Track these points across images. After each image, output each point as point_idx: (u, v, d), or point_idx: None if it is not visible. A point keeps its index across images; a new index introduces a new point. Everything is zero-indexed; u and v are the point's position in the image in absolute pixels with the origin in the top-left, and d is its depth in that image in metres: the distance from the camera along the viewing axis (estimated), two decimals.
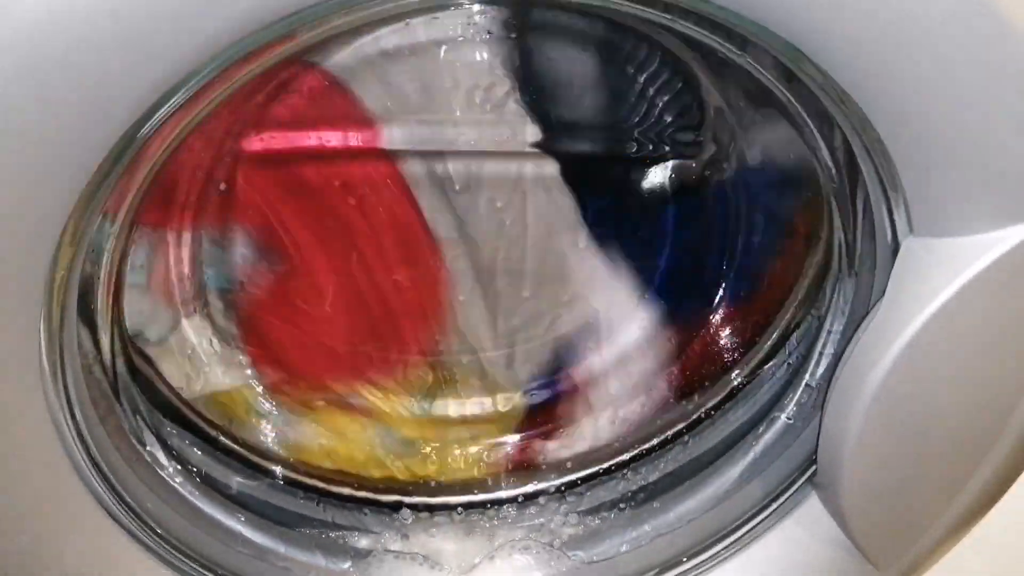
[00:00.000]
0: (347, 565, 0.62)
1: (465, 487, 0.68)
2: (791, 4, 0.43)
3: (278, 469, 0.65)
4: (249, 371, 0.65)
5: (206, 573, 0.57)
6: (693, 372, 0.68)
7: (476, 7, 0.55)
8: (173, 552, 0.55)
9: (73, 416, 0.49)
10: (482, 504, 0.67)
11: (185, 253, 0.62)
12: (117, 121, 0.40)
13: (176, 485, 0.58)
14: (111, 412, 0.54)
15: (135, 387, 0.58)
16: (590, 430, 0.69)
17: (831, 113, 0.49)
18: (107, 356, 0.54)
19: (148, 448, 0.57)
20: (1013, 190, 0.47)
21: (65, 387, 0.48)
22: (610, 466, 0.68)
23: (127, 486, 0.52)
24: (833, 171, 0.55)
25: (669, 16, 0.45)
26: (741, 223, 0.65)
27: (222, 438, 0.62)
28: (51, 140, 0.40)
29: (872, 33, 0.44)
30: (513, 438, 0.70)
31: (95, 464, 0.50)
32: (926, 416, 0.54)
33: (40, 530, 0.49)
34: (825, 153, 0.54)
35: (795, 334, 0.63)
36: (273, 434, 0.65)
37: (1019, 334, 0.51)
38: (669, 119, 0.60)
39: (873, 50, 0.44)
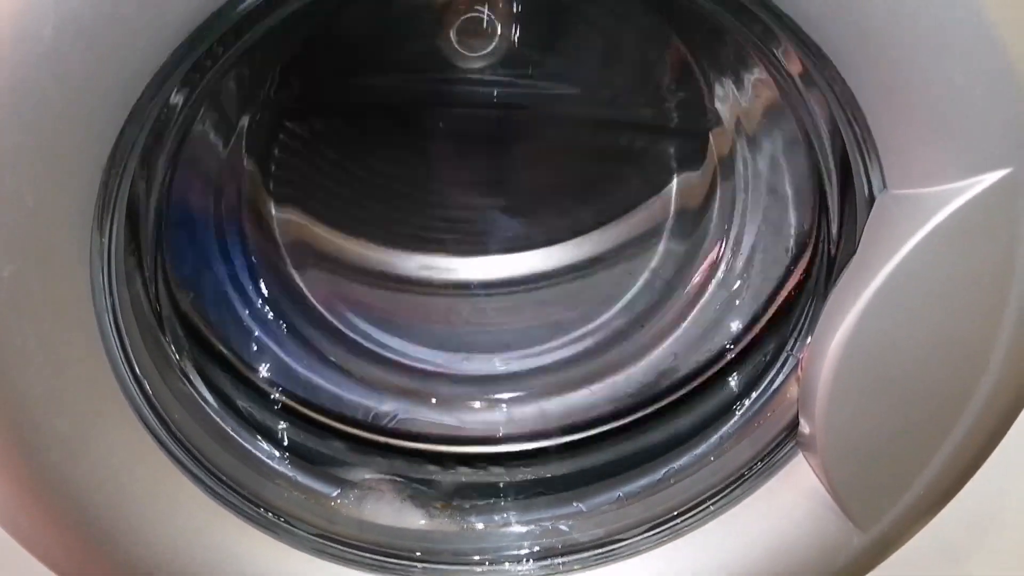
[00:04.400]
0: (335, 492, 0.66)
1: (469, 440, 0.72)
2: None
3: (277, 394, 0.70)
4: None
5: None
6: (692, 341, 0.72)
7: None
8: (194, 461, 0.60)
9: (116, 319, 0.54)
10: (486, 457, 0.71)
11: None
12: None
13: (203, 404, 0.63)
14: (149, 328, 0.60)
15: (175, 318, 0.64)
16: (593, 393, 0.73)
17: (813, 76, 0.53)
18: (149, 276, 0.59)
19: (180, 365, 0.62)
20: (974, 142, 0.51)
21: (111, 296, 0.53)
22: (608, 429, 0.72)
23: (153, 386, 0.57)
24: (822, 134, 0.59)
25: None
26: (739, 189, 0.69)
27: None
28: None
29: None
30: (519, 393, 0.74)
31: (128, 363, 0.55)
32: (899, 370, 0.56)
33: (74, 416, 0.54)
34: (815, 118, 0.58)
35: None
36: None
37: (984, 284, 0.54)
38: (671, 87, 0.66)
39: (847, 13, 0.49)
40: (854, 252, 0.56)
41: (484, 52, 0.68)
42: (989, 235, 0.53)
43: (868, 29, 0.49)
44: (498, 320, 0.78)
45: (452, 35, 0.68)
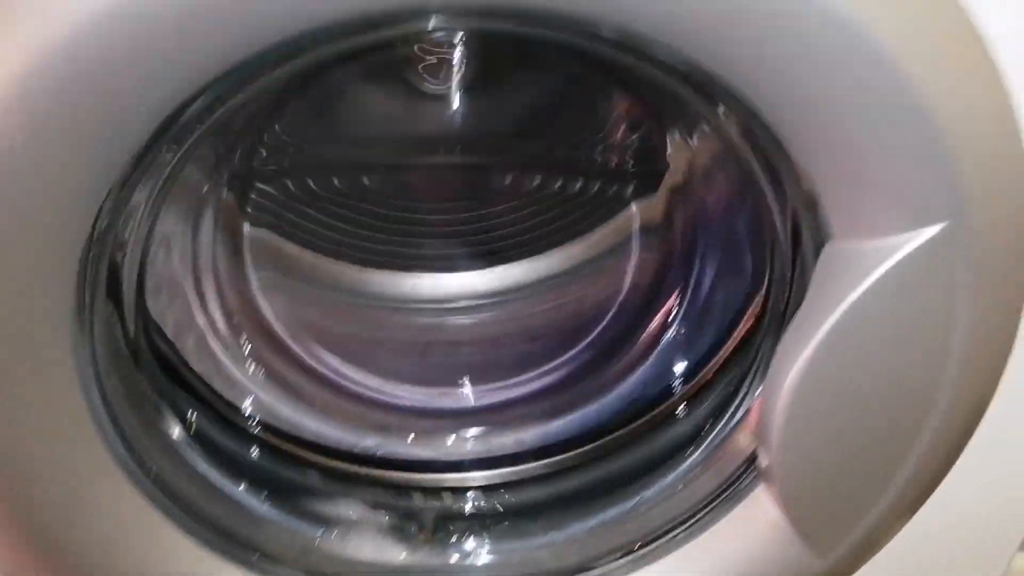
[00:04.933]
0: (320, 532, 0.69)
1: (448, 470, 0.75)
2: (700, 31, 0.49)
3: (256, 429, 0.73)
4: None
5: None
6: (659, 372, 0.75)
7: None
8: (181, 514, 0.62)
9: (96, 369, 0.56)
10: (464, 488, 0.74)
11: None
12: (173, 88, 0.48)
13: (190, 457, 0.66)
14: (126, 368, 0.62)
15: (161, 373, 0.67)
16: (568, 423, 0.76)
17: (753, 136, 0.55)
18: (129, 322, 0.62)
19: (158, 409, 0.65)
20: (911, 198, 0.53)
21: (92, 340, 0.56)
22: (583, 459, 0.75)
23: (141, 445, 0.60)
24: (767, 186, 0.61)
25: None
26: (699, 229, 0.72)
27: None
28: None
29: (779, 67, 0.50)
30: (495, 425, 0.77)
31: (116, 425, 0.58)
32: (850, 408, 0.58)
33: (68, 483, 0.57)
34: (760, 171, 0.60)
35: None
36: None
37: (928, 330, 0.56)
38: (626, 136, 0.68)
39: (783, 81, 0.51)
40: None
41: (446, 103, 0.71)
42: (930, 284, 0.55)
43: (804, 96, 0.51)
44: (473, 355, 0.81)
45: (414, 83, 0.70)
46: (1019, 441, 0.67)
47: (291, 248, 0.80)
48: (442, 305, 0.83)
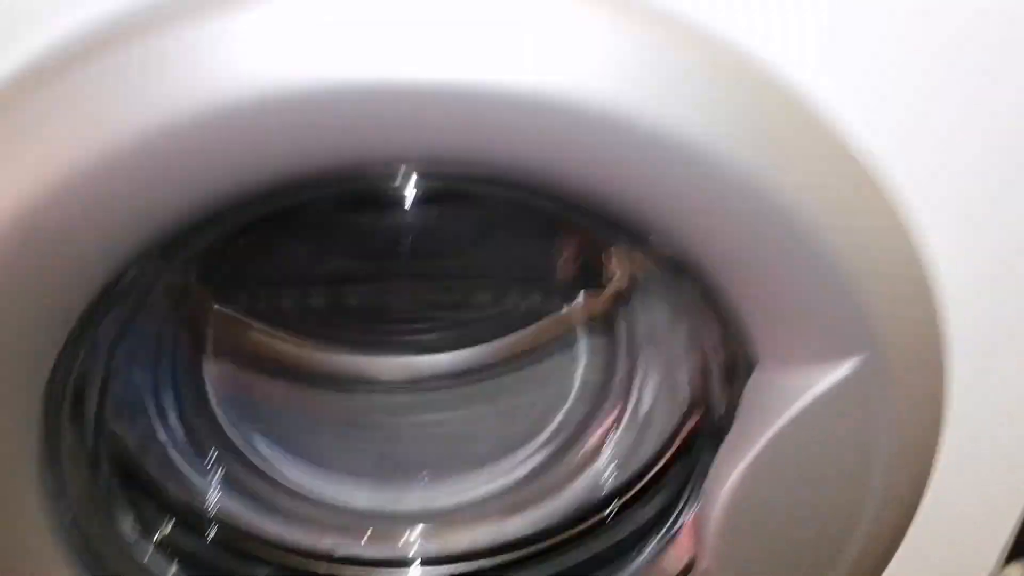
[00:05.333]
0: None
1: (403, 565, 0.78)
2: (625, 192, 0.53)
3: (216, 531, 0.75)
4: None
5: None
6: (607, 473, 0.78)
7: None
8: None
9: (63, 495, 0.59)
10: None
11: None
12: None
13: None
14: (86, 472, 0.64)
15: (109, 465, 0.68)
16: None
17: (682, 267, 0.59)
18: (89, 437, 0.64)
19: (115, 519, 0.67)
20: (832, 331, 0.57)
21: (59, 464, 0.58)
22: (536, 553, 0.78)
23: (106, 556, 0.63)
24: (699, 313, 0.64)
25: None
26: (641, 339, 0.76)
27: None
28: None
29: (696, 217, 0.53)
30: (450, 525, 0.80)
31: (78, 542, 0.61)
32: (779, 524, 0.63)
33: None
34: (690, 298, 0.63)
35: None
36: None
37: (850, 454, 0.60)
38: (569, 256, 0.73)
39: (702, 229, 0.54)
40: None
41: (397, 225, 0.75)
42: (851, 413, 0.59)
43: (722, 240, 0.54)
44: (429, 458, 0.84)
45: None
46: (942, 548, 0.70)
47: (253, 335, 0.83)
48: (406, 387, 0.86)
